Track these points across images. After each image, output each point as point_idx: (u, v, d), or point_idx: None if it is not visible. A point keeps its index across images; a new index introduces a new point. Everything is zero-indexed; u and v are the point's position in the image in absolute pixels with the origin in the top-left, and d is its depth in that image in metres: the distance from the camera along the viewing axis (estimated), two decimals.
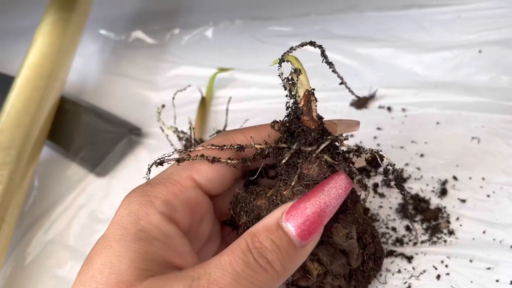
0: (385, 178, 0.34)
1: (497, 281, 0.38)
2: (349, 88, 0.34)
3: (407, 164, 0.47)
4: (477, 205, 0.43)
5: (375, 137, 0.50)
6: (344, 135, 0.35)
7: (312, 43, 0.32)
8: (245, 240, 0.27)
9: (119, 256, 0.27)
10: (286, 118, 0.33)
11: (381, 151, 0.33)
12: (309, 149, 0.31)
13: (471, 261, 0.39)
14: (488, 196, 0.43)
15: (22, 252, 0.48)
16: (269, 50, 0.63)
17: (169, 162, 0.34)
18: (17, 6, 0.70)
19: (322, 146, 0.31)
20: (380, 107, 0.53)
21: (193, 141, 0.44)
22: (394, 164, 0.33)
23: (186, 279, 0.25)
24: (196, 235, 0.32)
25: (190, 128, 0.44)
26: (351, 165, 0.33)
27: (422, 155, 0.47)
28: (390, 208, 0.44)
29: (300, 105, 0.32)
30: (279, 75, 0.33)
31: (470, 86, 0.52)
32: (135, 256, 0.27)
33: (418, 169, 0.46)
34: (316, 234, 0.28)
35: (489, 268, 0.39)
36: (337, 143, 0.33)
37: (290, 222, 0.28)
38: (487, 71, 0.53)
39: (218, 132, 0.49)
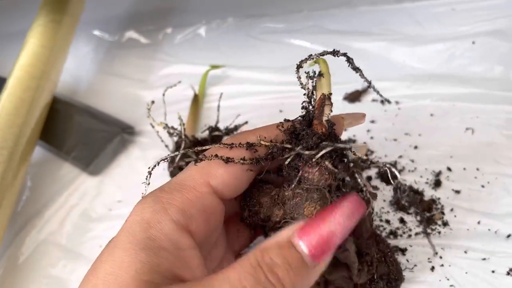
0: (397, 195, 0.34)
1: (492, 271, 0.37)
2: (377, 92, 0.34)
3: (400, 157, 0.46)
4: (472, 195, 0.42)
5: (368, 130, 0.50)
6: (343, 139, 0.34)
7: (335, 52, 0.31)
8: (255, 256, 0.26)
9: (125, 267, 0.25)
10: (300, 118, 0.33)
11: (393, 165, 0.32)
12: (307, 153, 0.31)
13: (466, 252, 0.39)
14: (483, 186, 0.43)
15: (15, 252, 0.48)
16: (262, 47, 0.63)
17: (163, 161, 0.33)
18: (10, 9, 0.70)
19: (322, 152, 0.31)
20: (374, 100, 0.53)
21: (183, 136, 0.44)
22: (405, 184, 0.32)
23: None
24: (207, 243, 0.31)
25: (180, 124, 0.44)
26: (356, 175, 0.32)
27: (416, 147, 0.47)
28: (384, 200, 0.44)
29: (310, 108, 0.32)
30: (298, 77, 0.32)
31: (464, 78, 0.52)
32: (141, 267, 0.25)
33: (412, 161, 0.46)
34: (328, 254, 0.27)
35: (484, 259, 0.38)
36: (344, 152, 0.32)
37: (303, 241, 0.27)
38: (481, 62, 0.52)
39: (210, 128, 0.49)
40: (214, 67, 0.60)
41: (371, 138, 0.49)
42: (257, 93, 0.57)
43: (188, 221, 0.28)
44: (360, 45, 0.58)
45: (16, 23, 0.68)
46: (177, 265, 0.26)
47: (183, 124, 0.44)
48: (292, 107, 0.47)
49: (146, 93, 0.61)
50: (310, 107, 0.33)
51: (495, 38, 0.54)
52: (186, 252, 0.27)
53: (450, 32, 0.56)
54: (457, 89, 0.51)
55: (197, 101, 0.56)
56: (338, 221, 0.27)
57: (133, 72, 0.64)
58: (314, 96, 0.32)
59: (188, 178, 0.30)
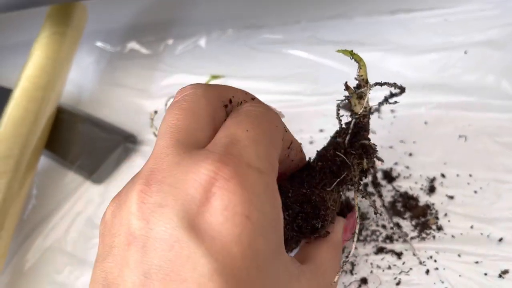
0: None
1: (485, 274, 0.38)
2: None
3: (396, 163, 0.48)
4: (465, 201, 0.44)
5: None
6: None
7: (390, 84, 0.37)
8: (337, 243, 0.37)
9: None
10: (346, 129, 0.37)
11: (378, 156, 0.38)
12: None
13: (459, 255, 0.40)
14: (475, 192, 0.44)
15: (21, 259, 0.49)
16: (260, 57, 0.64)
17: None
18: (15, 21, 0.72)
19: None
20: None
21: None
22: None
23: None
24: None
25: None
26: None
27: (410, 154, 0.48)
28: (380, 206, 0.45)
29: (365, 120, 0.37)
30: (346, 88, 0.37)
31: (457, 86, 0.53)
32: None
33: (407, 167, 0.47)
34: None
35: (477, 262, 0.39)
36: None
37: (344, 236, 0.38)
38: (473, 71, 0.54)
39: None
40: (214, 77, 0.61)
41: None
42: None
43: None
44: None
45: (21, 35, 0.70)
46: None
47: None
48: (291, 116, 0.48)
49: (148, 102, 0.62)
50: (356, 118, 0.37)
51: (487, 48, 0.55)
52: None
53: (443, 42, 0.58)
54: (450, 97, 0.53)
55: None
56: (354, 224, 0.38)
57: (135, 82, 0.66)
58: (364, 106, 0.36)
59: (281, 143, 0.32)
